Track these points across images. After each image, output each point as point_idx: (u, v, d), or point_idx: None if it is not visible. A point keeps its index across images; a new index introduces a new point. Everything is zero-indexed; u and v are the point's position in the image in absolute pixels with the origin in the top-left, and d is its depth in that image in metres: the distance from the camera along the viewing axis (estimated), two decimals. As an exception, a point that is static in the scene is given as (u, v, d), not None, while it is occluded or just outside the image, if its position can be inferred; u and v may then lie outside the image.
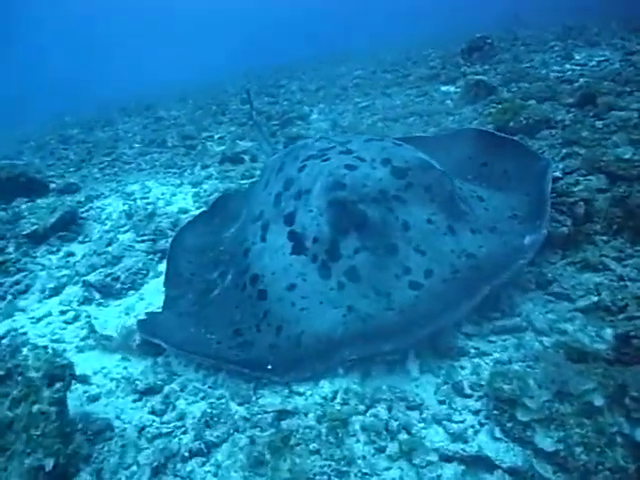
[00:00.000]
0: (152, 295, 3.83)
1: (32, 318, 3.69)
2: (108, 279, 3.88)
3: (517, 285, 2.91)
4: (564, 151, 4.38)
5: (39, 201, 5.69)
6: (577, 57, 8.33)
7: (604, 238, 3.21)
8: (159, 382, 2.70)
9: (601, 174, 3.90)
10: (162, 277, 4.10)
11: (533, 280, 2.96)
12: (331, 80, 11.84)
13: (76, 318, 3.61)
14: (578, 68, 7.65)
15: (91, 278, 3.90)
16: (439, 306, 2.32)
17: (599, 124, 5.00)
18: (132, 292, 3.91)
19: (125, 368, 2.93)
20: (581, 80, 6.73)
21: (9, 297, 4.04)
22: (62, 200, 5.44)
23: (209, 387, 2.64)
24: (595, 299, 2.68)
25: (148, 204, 5.64)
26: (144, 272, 4.09)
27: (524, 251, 2.63)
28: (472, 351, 2.49)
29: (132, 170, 7.74)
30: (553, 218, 3.28)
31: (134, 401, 2.65)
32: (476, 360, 2.43)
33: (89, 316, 3.63)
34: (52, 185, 6.79)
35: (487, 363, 2.39)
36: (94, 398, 2.71)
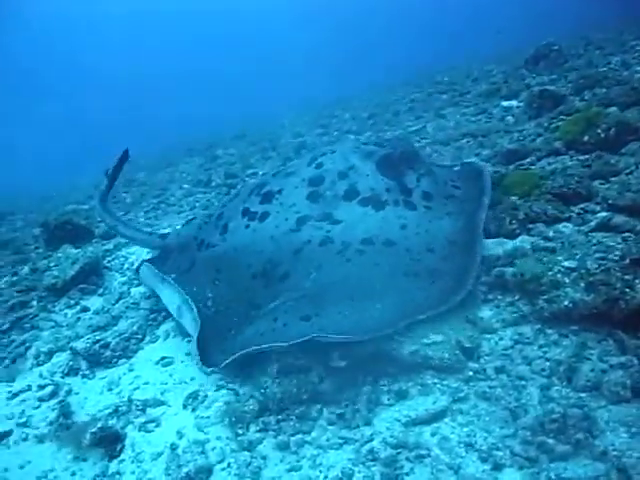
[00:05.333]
0: (142, 366, 3.32)
1: (9, 393, 3.31)
2: (96, 346, 3.44)
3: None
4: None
5: (68, 250, 5.55)
6: (668, 54, 6.89)
7: None
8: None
9: None
10: (159, 342, 3.65)
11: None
12: (385, 106, 11.22)
13: (53, 394, 3.17)
14: (670, 66, 6.26)
15: (79, 345, 3.48)
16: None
17: None
18: (123, 361, 3.43)
19: (73, 474, 2.37)
20: (681, 76, 5.41)
21: (6, 362, 3.76)
22: (85, 250, 5.23)
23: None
24: None
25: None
26: (139, 337, 3.61)
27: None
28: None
29: (172, 213, 7.59)
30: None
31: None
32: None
33: (69, 391, 3.19)
34: (97, 231, 6.72)
35: None
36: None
